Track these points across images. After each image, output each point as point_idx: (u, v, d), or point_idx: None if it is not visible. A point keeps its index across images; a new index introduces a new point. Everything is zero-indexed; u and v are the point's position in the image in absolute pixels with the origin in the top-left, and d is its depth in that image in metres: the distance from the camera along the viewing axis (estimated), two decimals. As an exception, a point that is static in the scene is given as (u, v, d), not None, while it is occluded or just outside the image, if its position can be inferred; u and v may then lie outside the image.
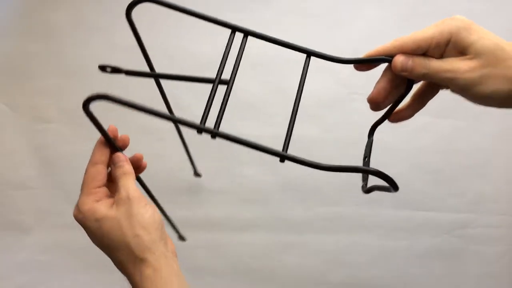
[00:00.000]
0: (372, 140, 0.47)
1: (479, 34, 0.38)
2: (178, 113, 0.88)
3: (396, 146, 0.93)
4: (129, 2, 0.43)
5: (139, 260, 0.42)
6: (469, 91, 0.38)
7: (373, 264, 0.95)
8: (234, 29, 0.44)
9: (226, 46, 0.43)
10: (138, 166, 0.50)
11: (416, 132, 0.92)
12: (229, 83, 0.42)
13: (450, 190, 0.93)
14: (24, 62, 0.95)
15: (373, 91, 0.43)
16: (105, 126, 0.46)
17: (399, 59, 0.39)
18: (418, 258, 0.95)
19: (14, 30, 0.95)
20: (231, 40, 0.44)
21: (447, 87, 0.42)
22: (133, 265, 0.42)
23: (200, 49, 0.95)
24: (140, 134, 0.92)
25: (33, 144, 0.96)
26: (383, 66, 0.43)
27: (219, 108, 0.41)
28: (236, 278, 0.95)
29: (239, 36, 0.44)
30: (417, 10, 0.91)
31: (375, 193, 0.44)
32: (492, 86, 0.37)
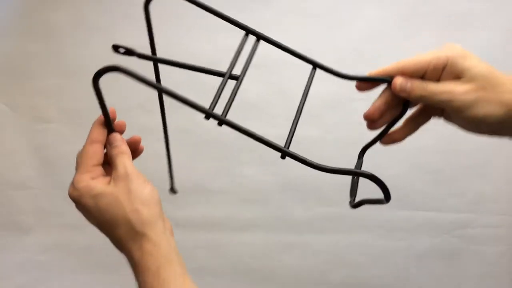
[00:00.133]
0: (362, 162, 0.48)
1: (474, 61, 0.40)
2: (176, 112, 0.88)
3: (396, 146, 0.93)
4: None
5: (139, 235, 0.41)
6: (463, 113, 0.40)
7: (373, 264, 0.95)
8: (248, 31, 0.45)
9: (239, 47, 0.44)
10: (135, 149, 0.49)
11: (416, 132, 0.92)
12: (239, 78, 0.43)
13: (450, 190, 0.93)
14: (24, 62, 0.95)
15: (369, 108, 0.45)
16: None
17: (398, 80, 0.42)
18: (418, 258, 0.95)
19: (14, 30, 0.95)
20: (243, 41, 0.45)
21: (440, 115, 0.45)
22: (132, 241, 0.41)
23: (201, 48, 0.95)
24: (139, 134, 0.91)
25: (33, 144, 0.96)
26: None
27: (227, 101, 0.41)
28: (236, 278, 0.95)
29: (251, 38, 0.45)
30: (417, 10, 0.91)
31: (375, 193, 0.44)
32: (485, 109, 0.39)
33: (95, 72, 0.40)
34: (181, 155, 0.94)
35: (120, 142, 0.45)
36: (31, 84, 0.96)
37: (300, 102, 0.44)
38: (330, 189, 0.93)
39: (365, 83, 0.45)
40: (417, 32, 0.90)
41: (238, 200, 0.95)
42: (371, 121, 0.46)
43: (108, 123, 0.46)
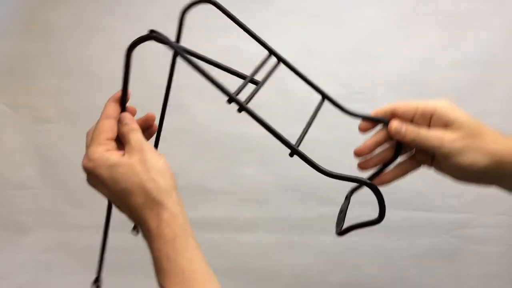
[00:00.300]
0: (349, 203, 0.51)
1: (461, 112, 0.44)
2: (178, 112, 0.88)
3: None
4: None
5: (156, 203, 0.41)
6: (451, 159, 0.43)
7: (373, 264, 0.95)
8: (271, 52, 0.49)
9: (261, 63, 0.48)
10: (149, 126, 0.50)
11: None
12: (259, 84, 0.45)
13: (450, 190, 0.93)
14: (24, 62, 0.95)
15: (359, 146, 0.50)
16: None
17: (394, 123, 0.46)
18: (418, 258, 0.95)
19: (14, 30, 0.95)
20: (265, 60, 0.49)
21: (429, 163, 0.49)
22: (149, 209, 0.41)
23: (201, 48, 0.94)
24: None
25: (33, 144, 0.96)
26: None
27: (250, 93, 0.43)
28: (236, 278, 0.95)
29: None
30: (417, 10, 0.91)
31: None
32: (471, 157, 0.43)
33: (130, 42, 0.40)
34: (181, 155, 0.94)
35: (130, 120, 0.46)
36: (31, 84, 0.96)
37: (304, 129, 0.47)
38: (330, 189, 0.93)
39: (367, 124, 0.49)
40: (417, 32, 0.90)
41: (238, 200, 0.95)
42: (359, 156, 0.50)
43: (123, 100, 0.46)
